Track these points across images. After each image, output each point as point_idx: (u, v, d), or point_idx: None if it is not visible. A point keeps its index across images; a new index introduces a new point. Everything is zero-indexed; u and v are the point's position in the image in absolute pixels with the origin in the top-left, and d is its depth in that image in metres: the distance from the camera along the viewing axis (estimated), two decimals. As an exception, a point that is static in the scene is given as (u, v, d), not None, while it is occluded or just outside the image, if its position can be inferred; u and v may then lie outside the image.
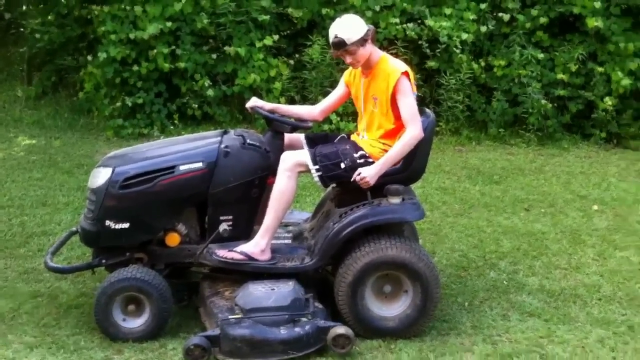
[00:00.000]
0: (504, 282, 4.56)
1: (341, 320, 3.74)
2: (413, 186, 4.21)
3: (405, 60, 7.93)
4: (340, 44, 3.81)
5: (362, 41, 3.81)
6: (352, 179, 3.79)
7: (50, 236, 5.14)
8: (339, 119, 8.16)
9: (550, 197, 6.37)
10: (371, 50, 3.89)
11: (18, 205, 5.79)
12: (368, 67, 3.94)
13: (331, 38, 3.86)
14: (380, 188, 3.84)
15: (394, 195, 3.83)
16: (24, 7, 10.57)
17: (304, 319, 3.60)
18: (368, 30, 3.84)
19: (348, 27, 3.82)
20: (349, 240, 3.81)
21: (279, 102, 8.28)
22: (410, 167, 3.92)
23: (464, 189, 6.57)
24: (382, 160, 3.79)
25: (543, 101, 8.13)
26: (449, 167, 7.30)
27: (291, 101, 8.53)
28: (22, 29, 10.67)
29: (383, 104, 3.89)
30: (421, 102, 8.13)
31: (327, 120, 8.01)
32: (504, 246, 5.18)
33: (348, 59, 3.88)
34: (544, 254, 5.03)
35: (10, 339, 3.72)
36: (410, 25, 8.32)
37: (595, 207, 6.06)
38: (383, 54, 3.97)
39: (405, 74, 3.83)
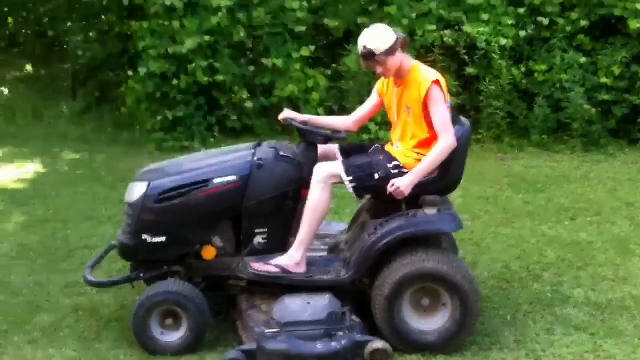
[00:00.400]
0: (548, 294, 4.43)
1: (379, 334, 3.68)
2: (453, 195, 4.14)
3: (443, 68, 7.97)
4: (369, 55, 3.78)
5: (392, 50, 3.77)
6: (387, 191, 3.74)
7: (93, 250, 5.20)
8: (377, 128, 8.11)
9: (597, 205, 6.19)
10: (402, 59, 3.85)
11: (62, 220, 5.91)
12: (400, 77, 3.90)
13: (360, 49, 3.83)
14: (415, 199, 3.78)
15: (430, 206, 3.77)
16: (68, 24, 10.82)
17: (341, 333, 3.56)
18: (397, 39, 3.80)
19: (376, 37, 3.79)
20: (385, 252, 3.75)
21: (317, 113, 8.30)
22: (446, 177, 3.85)
23: (506, 198, 6.44)
24: (416, 170, 3.74)
25: (587, 106, 7.93)
26: (491, 175, 7.16)
27: (329, 112, 8.54)
28: (65, 46, 10.92)
29: (416, 113, 3.84)
30: (461, 110, 8.13)
31: (365, 129, 7.96)
32: (548, 257, 5.04)
33: (378, 69, 3.85)
34: (590, 265, 4.88)
35: (52, 353, 3.78)
36: (448, 32, 8.25)
37: (644, 216, 5.87)
38: (415, 63, 3.92)
39: (437, 82, 3.78)
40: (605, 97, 8.07)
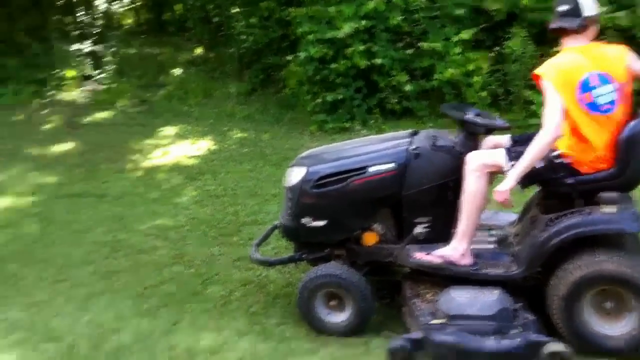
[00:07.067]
0: None
1: (556, 331, 3.47)
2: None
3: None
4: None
5: (592, 20, 3.55)
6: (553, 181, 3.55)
7: (260, 225, 5.38)
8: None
9: None
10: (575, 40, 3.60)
11: (231, 195, 6.20)
12: None
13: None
14: (591, 195, 3.53)
15: (608, 203, 3.49)
16: (231, 10, 11.31)
17: (514, 331, 3.38)
18: (593, 17, 3.57)
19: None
20: (558, 250, 3.54)
21: (480, 97, 8.04)
22: (625, 172, 3.53)
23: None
24: (514, 170, 3.52)
25: None
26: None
27: (494, 95, 8.24)
28: (230, 31, 11.41)
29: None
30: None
31: (533, 114, 7.57)
32: None
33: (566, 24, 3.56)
34: None
35: (222, 324, 3.95)
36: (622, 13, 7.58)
37: None
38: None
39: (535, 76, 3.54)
40: None
